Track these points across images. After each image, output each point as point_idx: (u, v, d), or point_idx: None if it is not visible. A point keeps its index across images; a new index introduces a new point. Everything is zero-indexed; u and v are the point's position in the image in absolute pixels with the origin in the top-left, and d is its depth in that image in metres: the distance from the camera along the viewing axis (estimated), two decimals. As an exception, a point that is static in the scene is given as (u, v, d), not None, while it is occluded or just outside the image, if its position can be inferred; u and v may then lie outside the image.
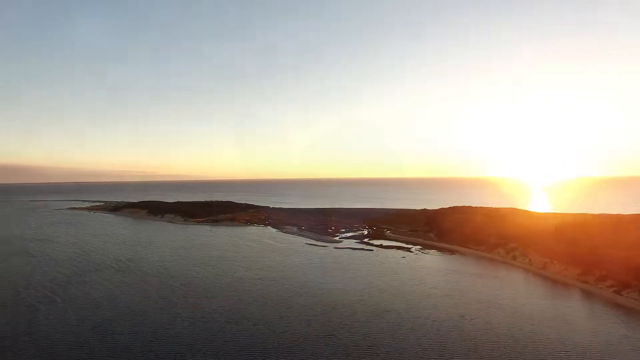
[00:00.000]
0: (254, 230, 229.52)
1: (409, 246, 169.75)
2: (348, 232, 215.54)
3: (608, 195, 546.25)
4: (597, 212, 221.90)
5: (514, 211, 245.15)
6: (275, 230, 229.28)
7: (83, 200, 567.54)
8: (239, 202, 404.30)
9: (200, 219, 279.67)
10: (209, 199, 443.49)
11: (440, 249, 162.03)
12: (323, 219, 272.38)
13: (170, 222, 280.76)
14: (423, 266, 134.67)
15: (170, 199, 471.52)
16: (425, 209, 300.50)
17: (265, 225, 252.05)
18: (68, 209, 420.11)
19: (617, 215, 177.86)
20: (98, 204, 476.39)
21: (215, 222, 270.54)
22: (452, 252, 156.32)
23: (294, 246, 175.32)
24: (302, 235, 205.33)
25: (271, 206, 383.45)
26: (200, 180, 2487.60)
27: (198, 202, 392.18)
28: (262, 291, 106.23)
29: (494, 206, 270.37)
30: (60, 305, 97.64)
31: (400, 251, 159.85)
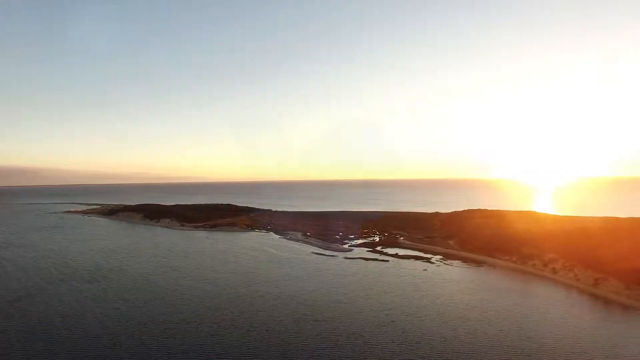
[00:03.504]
0: (255, 237, 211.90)
1: (428, 256, 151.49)
2: (358, 238, 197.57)
3: (619, 196, 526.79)
4: (622, 214, 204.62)
5: (534, 215, 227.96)
6: (278, 236, 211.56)
7: (81, 203, 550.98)
8: (240, 205, 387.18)
9: (198, 224, 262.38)
10: (209, 202, 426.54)
11: (464, 260, 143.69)
12: (329, 223, 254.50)
13: (166, 227, 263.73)
14: (449, 280, 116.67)
15: (171, 201, 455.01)
16: (437, 212, 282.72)
17: (267, 230, 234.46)
18: (63, 212, 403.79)
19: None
20: (95, 207, 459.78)
21: (214, 226, 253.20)
22: (479, 263, 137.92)
23: (300, 256, 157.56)
24: (308, 243, 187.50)
25: (273, 209, 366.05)
26: (204, 182, 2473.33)
27: (197, 205, 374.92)
28: (263, 314, 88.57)
29: (507, 209, 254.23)
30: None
31: (419, 262, 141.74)
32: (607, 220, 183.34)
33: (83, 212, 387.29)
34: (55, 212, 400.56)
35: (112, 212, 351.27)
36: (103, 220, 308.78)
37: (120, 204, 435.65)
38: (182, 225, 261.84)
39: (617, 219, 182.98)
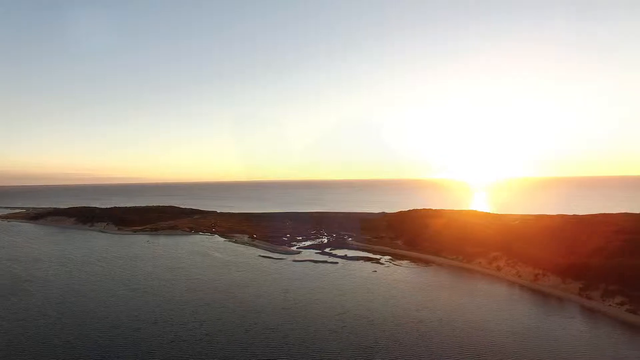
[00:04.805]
0: (199, 240, 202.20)
1: (377, 256, 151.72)
2: (306, 240, 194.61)
3: (545, 195, 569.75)
4: (552, 212, 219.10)
5: (476, 213, 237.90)
6: (223, 239, 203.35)
7: (4, 207, 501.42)
8: (184, 206, 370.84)
9: (137, 228, 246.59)
10: (150, 204, 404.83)
11: (412, 260, 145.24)
12: (276, 224, 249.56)
13: (101, 231, 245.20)
14: (399, 280, 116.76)
15: (109, 203, 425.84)
16: (384, 212, 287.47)
17: (212, 233, 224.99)
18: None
19: (585, 215, 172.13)
20: (19, 211, 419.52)
21: (155, 230, 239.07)
22: (427, 262, 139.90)
23: (246, 259, 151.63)
24: (255, 246, 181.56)
25: (218, 211, 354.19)
26: (158, 183, 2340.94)
27: (136, 207, 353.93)
28: (208, 324, 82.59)
29: (450, 208, 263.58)
30: None
31: (369, 263, 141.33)
32: (540, 217, 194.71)
33: (2, 218, 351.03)
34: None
35: (37, 216, 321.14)
36: (27, 226, 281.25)
37: (50, 207, 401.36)
38: (120, 229, 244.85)
39: (549, 217, 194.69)
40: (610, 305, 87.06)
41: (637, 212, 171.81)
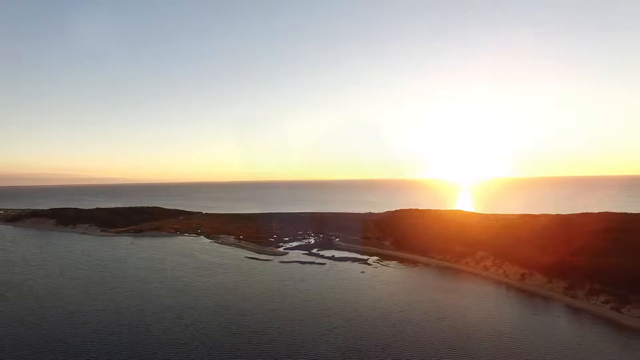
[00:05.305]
0: (184, 242, 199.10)
1: (365, 257, 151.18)
2: (293, 241, 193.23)
3: (526, 195, 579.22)
4: (535, 211, 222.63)
5: (462, 213, 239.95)
6: (209, 240, 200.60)
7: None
8: (169, 207, 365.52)
9: (121, 229, 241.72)
10: (135, 205, 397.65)
11: (400, 260, 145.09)
12: (262, 225, 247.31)
13: (84, 233, 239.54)
14: (387, 281, 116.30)
15: (93, 204, 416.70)
16: (370, 212, 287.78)
17: (198, 234, 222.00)
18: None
19: (569, 215, 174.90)
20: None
21: (139, 231, 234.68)
22: (415, 263, 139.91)
23: (233, 261, 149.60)
24: (241, 247, 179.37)
25: (204, 212, 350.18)
26: (143, 183, 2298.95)
27: (120, 208, 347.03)
28: (193, 328, 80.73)
29: (436, 208, 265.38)
30: None
31: (356, 264, 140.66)
32: (524, 217, 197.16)
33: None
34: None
35: (16, 218, 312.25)
36: (4, 228, 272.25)
37: (29, 209, 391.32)
38: (103, 231, 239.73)
39: (533, 216, 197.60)
40: (595, 303, 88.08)
41: (618, 212, 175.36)
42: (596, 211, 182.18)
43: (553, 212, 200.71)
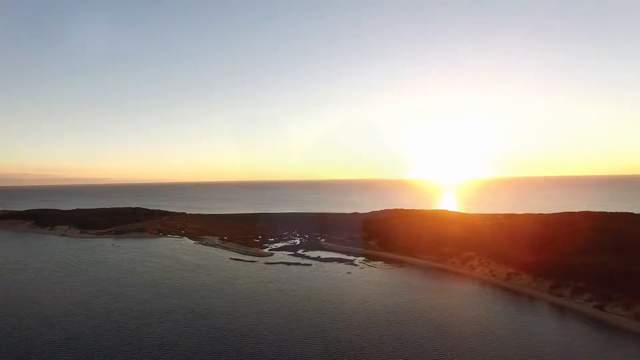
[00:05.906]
0: (167, 243, 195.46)
1: (351, 258, 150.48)
2: (278, 241, 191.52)
3: (507, 194, 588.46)
4: (518, 211, 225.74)
5: (447, 213, 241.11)
6: (192, 242, 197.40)
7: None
8: (151, 208, 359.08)
9: (102, 230, 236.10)
10: (116, 206, 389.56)
11: (386, 260, 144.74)
12: (247, 226, 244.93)
13: (63, 235, 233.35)
14: (374, 282, 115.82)
15: (71, 205, 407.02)
16: (356, 212, 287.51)
17: (181, 235, 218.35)
18: None
19: (552, 214, 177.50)
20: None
21: (121, 233, 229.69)
22: (401, 263, 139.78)
23: (217, 262, 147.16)
24: (225, 248, 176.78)
25: (188, 212, 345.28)
26: (128, 184, 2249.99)
27: (101, 209, 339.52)
28: (176, 331, 78.61)
29: (421, 208, 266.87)
30: None
31: (342, 264, 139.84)
32: (509, 217, 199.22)
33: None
34: None
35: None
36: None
37: (4, 210, 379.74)
38: (83, 233, 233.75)
39: (517, 215, 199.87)
40: (579, 302, 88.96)
41: (598, 211, 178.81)
42: (577, 210, 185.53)
43: (536, 212, 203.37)
